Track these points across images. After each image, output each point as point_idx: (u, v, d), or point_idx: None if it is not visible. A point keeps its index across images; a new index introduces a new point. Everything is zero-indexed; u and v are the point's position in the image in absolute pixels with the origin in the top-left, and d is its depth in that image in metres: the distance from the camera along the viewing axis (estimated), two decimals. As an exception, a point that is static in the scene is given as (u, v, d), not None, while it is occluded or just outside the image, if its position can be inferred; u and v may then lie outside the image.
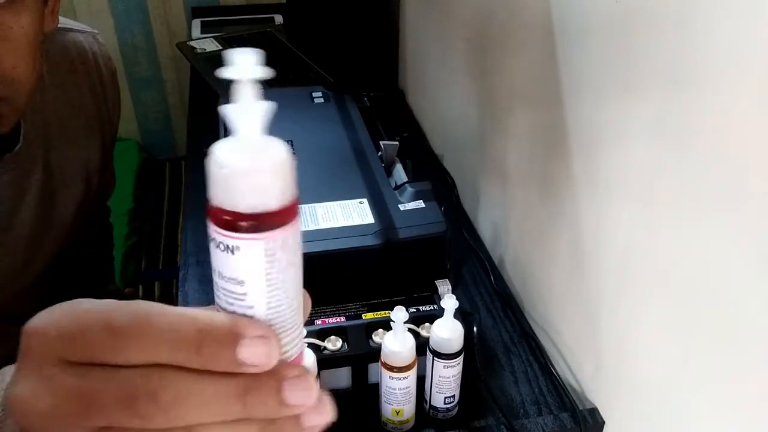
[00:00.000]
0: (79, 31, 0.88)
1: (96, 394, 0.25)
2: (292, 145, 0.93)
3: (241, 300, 0.27)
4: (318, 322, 0.74)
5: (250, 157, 0.26)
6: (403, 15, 1.41)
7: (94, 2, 1.83)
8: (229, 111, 0.26)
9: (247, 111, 0.26)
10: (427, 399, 0.72)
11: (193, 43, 1.54)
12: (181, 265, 0.94)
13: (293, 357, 0.29)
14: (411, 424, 0.72)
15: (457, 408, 0.73)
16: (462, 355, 0.69)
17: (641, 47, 0.58)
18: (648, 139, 0.58)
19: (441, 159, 1.22)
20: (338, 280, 0.75)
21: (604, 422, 0.73)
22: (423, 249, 0.78)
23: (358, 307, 0.76)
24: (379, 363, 0.67)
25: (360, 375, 0.75)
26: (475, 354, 0.78)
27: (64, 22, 0.81)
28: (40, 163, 0.79)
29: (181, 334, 0.26)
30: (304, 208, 0.79)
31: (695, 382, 0.57)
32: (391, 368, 0.66)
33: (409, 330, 0.68)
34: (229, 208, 0.25)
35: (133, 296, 1.22)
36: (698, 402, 0.57)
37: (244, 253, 0.26)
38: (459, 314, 0.68)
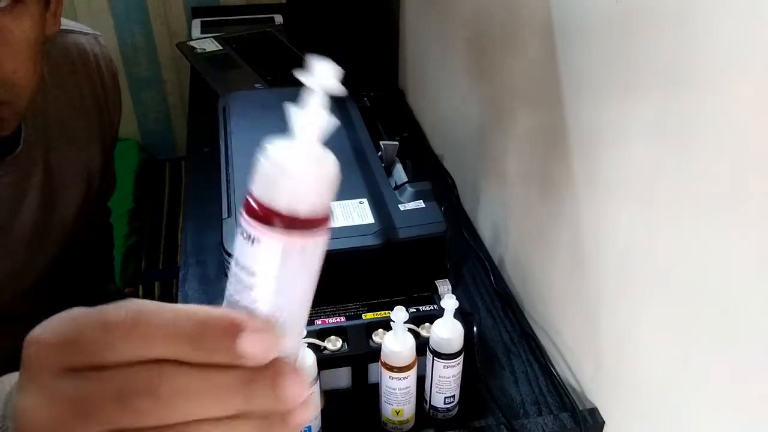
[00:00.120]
0: (80, 32, 0.88)
1: (93, 399, 0.25)
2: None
3: (248, 291, 0.28)
4: (318, 322, 0.74)
5: (298, 161, 0.27)
6: (403, 15, 1.41)
7: (94, 2, 1.83)
8: (294, 113, 0.27)
9: (312, 119, 0.27)
10: (427, 399, 0.72)
11: (193, 43, 1.54)
12: (181, 265, 0.94)
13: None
14: (411, 424, 0.72)
15: (457, 408, 0.73)
16: (462, 355, 0.69)
17: (641, 47, 0.58)
18: (648, 139, 0.58)
19: (441, 159, 1.22)
20: (338, 280, 0.75)
21: (604, 422, 0.73)
22: (423, 249, 0.78)
23: (358, 307, 0.76)
24: (379, 363, 0.68)
25: (360, 375, 0.75)
26: (475, 354, 0.78)
27: (65, 23, 0.81)
28: (41, 164, 0.79)
29: (179, 328, 0.26)
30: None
31: (695, 382, 0.57)
32: (391, 368, 0.66)
33: (409, 330, 0.68)
34: (263, 202, 0.27)
35: (133, 296, 1.22)
36: (698, 402, 0.57)
37: (263, 246, 0.27)
38: (459, 314, 0.68)
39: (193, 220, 1.04)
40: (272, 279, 0.27)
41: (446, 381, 0.70)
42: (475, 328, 0.81)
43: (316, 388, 0.66)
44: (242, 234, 0.27)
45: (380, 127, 1.05)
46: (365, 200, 0.81)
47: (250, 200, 0.27)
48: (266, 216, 0.27)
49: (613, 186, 0.65)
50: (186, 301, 0.88)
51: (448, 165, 1.19)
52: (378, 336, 0.73)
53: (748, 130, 0.47)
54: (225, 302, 0.29)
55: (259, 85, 1.35)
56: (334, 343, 0.72)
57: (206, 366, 0.26)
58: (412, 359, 0.67)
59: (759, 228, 0.47)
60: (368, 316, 0.75)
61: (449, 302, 0.67)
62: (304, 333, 0.71)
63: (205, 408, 0.26)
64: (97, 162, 0.89)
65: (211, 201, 0.97)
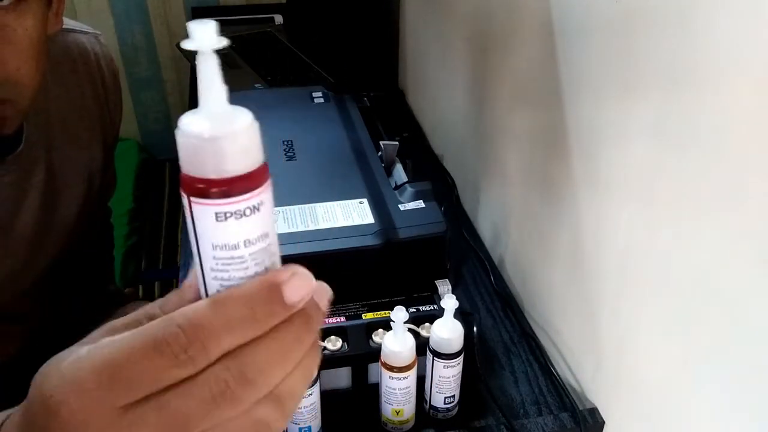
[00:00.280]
0: (81, 31, 0.88)
1: (183, 409, 0.25)
2: (292, 146, 0.93)
3: (269, 250, 0.28)
4: (318, 322, 0.74)
5: (221, 123, 0.27)
6: (403, 15, 1.41)
7: (94, 2, 1.83)
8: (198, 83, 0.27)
9: (208, 81, 0.27)
10: (427, 399, 0.72)
11: (193, 43, 1.54)
12: (181, 265, 0.94)
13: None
14: (411, 424, 0.72)
15: (457, 408, 0.73)
16: (462, 355, 0.69)
17: (641, 47, 0.58)
18: (648, 139, 0.58)
19: (441, 159, 1.22)
20: (338, 280, 0.75)
21: (604, 422, 0.73)
22: (423, 249, 0.78)
23: (358, 307, 0.76)
24: (379, 363, 0.68)
25: (360, 375, 0.75)
26: (475, 354, 0.78)
27: (66, 22, 0.81)
28: (42, 164, 0.79)
29: (229, 318, 0.26)
30: (305, 208, 0.79)
31: (695, 382, 0.57)
32: (391, 368, 0.66)
33: (409, 330, 0.68)
34: (246, 171, 0.27)
35: (133, 296, 1.22)
36: (698, 402, 0.57)
37: (266, 205, 0.27)
38: (459, 314, 0.68)
39: (193, 220, 1.04)
40: (274, 222, 0.28)
41: (446, 381, 0.70)
42: (475, 328, 0.81)
43: (316, 389, 0.66)
44: (243, 213, 0.27)
45: (380, 127, 1.05)
46: (365, 200, 0.81)
47: (233, 179, 0.26)
48: (251, 180, 0.27)
49: (613, 186, 0.65)
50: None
51: (448, 165, 1.19)
52: (378, 336, 0.73)
53: (748, 130, 0.47)
54: (213, 292, 0.28)
55: (259, 85, 1.35)
56: (334, 343, 0.72)
57: (271, 332, 0.27)
58: (412, 359, 0.67)
59: (759, 228, 0.47)
60: (368, 316, 0.75)
61: (449, 302, 0.67)
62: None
63: (290, 363, 0.27)
64: (98, 161, 0.89)
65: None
